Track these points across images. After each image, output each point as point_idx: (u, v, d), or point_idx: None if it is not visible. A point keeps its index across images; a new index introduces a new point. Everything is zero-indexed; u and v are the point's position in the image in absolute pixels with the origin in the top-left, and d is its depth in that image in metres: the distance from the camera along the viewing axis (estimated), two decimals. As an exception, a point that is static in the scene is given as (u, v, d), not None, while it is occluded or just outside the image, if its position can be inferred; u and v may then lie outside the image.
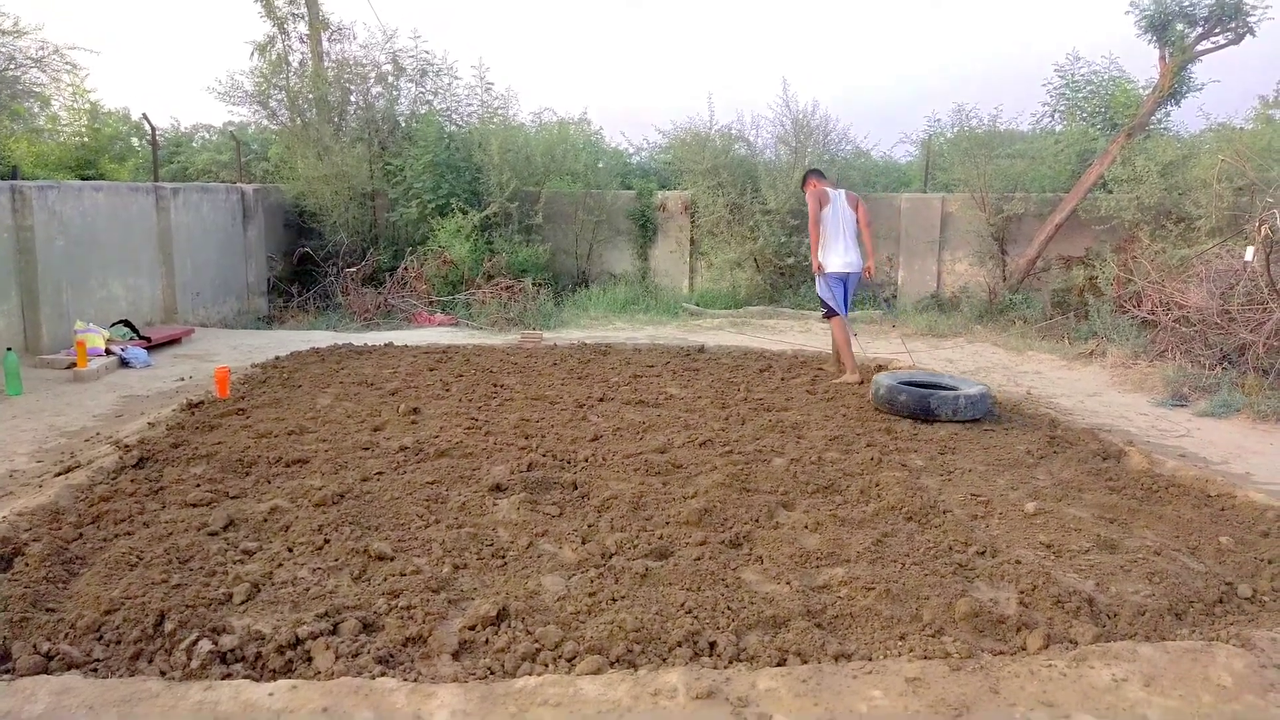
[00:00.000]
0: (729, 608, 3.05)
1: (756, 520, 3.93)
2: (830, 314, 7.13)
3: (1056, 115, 12.53)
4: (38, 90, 14.17)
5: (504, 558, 3.50)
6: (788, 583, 3.30)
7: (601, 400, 6.21)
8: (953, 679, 2.62)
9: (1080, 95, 12.21)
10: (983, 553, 3.63)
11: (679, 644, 2.80)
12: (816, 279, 7.15)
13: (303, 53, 13.24)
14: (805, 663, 2.74)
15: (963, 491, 4.42)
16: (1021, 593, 3.24)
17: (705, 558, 3.48)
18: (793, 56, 29.90)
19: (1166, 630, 3.01)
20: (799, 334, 9.89)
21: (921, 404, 5.76)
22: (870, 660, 2.77)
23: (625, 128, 29.47)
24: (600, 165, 13.46)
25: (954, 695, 2.54)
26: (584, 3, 36.07)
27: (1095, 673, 2.66)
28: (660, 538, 3.67)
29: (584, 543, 3.65)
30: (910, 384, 6.04)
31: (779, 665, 2.72)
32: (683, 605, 3.05)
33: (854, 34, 33.72)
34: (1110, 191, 10.39)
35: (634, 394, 6.40)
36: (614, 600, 3.12)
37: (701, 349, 8.47)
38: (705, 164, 11.80)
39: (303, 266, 12.22)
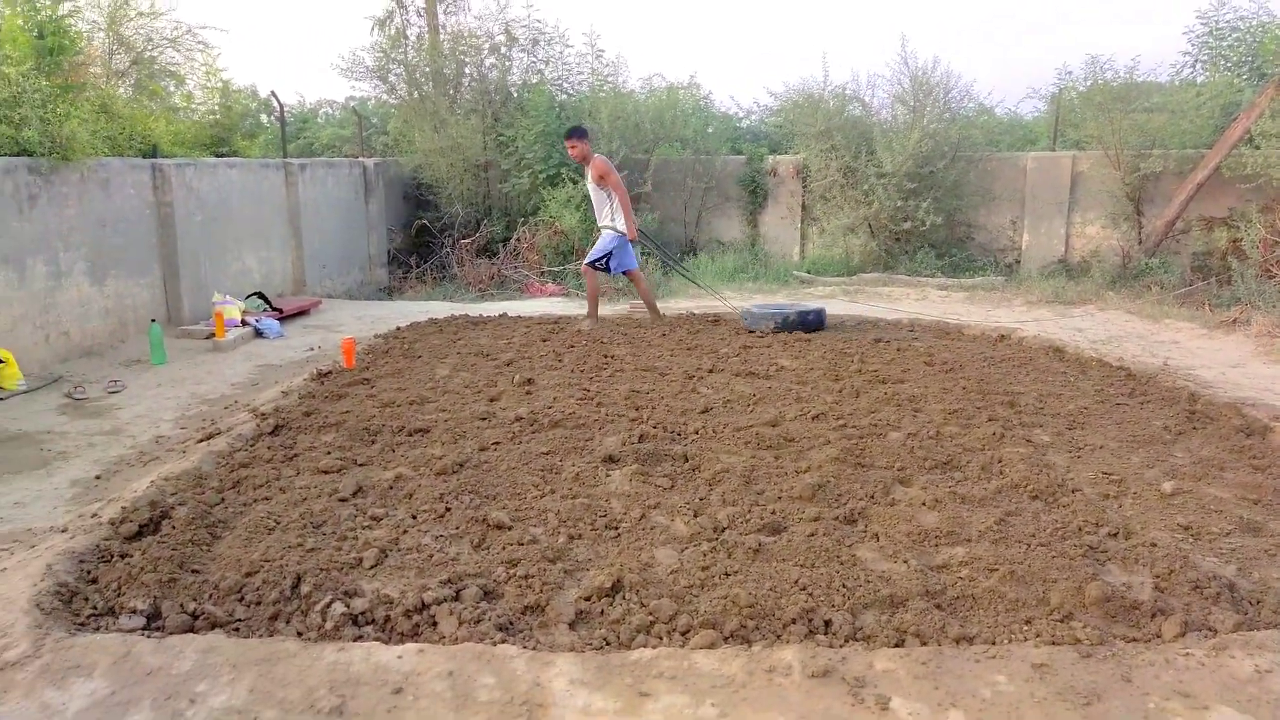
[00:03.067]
0: (844, 586, 3.01)
1: (872, 496, 3.85)
2: (596, 267, 7.98)
3: (1199, 65, 11.64)
4: (173, 70, 14.97)
5: (617, 529, 3.55)
6: (905, 561, 3.23)
7: (711, 371, 6.20)
8: (1082, 666, 2.52)
9: (1225, 44, 11.30)
10: (1115, 534, 3.47)
11: (793, 621, 2.79)
12: (616, 241, 7.83)
13: (420, 26, 13.56)
14: (924, 644, 2.68)
15: (1093, 469, 4.22)
16: (1157, 577, 3.09)
17: (819, 534, 3.44)
18: (912, 13, 28.72)
19: (1319, 622, 2.81)
20: (915, 302, 9.60)
21: (768, 320, 7.56)
22: (994, 644, 2.68)
23: (735, 90, 29.03)
24: (709, 130, 13.30)
25: (1083, 683, 2.44)
26: (693, -36, 35.48)
27: (1236, 663, 2.52)
28: (773, 512, 3.64)
29: (696, 516, 3.66)
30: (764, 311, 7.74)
31: (897, 646, 2.67)
32: (796, 582, 3.03)
33: (976, -16, 32.10)
34: (1258, 147, 9.61)
35: (744, 365, 6.36)
36: (727, 575, 3.12)
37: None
38: (818, 126, 11.51)
39: (420, 238, 12.59)
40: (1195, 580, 3.02)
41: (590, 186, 7.87)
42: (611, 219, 7.81)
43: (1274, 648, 2.57)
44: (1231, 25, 11.20)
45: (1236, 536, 3.45)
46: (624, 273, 8.26)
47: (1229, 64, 11.22)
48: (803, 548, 3.31)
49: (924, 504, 3.79)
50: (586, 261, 7.97)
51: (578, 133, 7.75)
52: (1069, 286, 9.76)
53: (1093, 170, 10.83)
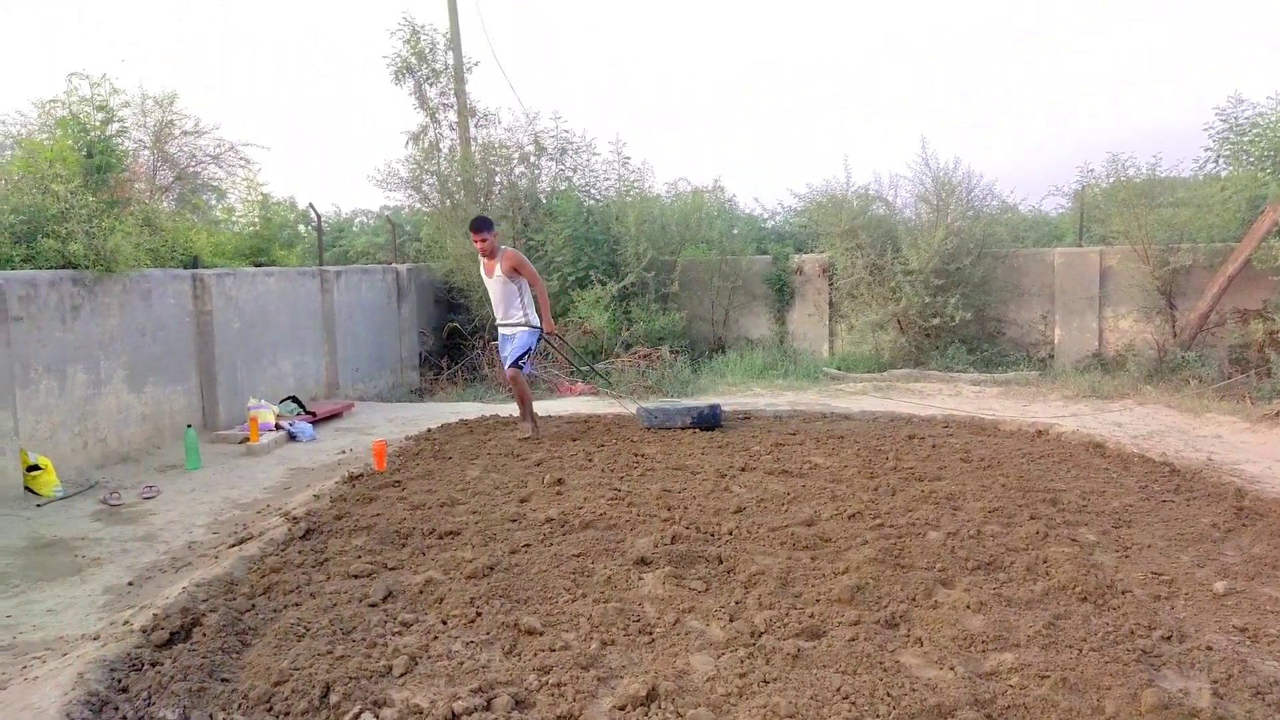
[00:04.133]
0: (888, 694, 2.90)
1: (913, 599, 3.74)
2: (520, 367, 7.53)
3: (1220, 160, 11.73)
4: (215, 184, 15.60)
5: (651, 634, 3.45)
6: (951, 668, 3.10)
7: (743, 470, 6.13)
8: (1147, 784, 2.38)
9: (1246, 139, 11.41)
10: (1169, 637, 3.33)
11: (837, 733, 2.67)
12: (534, 337, 7.51)
13: (452, 139, 14.08)
14: (977, 759, 2.55)
15: (1142, 569, 4.08)
16: (1215, 682, 2.95)
17: (860, 639, 3.32)
18: (932, 116, 29.47)
19: (1400, 734, 2.65)
20: (949, 398, 9.52)
21: (667, 419, 7.67)
22: (1050, 759, 2.55)
23: (759, 192, 29.68)
24: (735, 231, 13.54)
25: (1150, 803, 2.30)
26: (716, 73, 36.83)
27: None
28: (811, 616, 3.54)
29: (732, 620, 3.56)
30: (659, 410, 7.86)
31: (947, 760, 2.54)
32: (838, 690, 2.92)
33: (992, 91, 32.96)
34: (1288, 239, 9.59)
35: (777, 463, 6.29)
36: (765, 682, 3.01)
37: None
38: (842, 225, 11.68)
39: (451, 340, 12.77)
40: (1256, 686, 2.88)
41: (493, 281, 7.38)
42: (524, 314, 7.42)
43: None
44: (1251, 121, 11.33)
45: (1298, 639, 3.29)
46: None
47: (1251, 159, 11.30)
48: (844, 653, 3.20)
49: (968, 606, 3.66)
50: (509, 364, 7.48)
51: (486, 224, 7.25)
52: (1105, 381, 9.64)
53: (1121, 265, 10.84)
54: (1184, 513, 4.97)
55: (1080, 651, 3.22)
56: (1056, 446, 6.85)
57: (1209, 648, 3.20)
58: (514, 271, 7.25)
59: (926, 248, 11.00)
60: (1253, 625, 3.42)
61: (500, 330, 7.54)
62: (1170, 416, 8.06)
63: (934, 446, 6.79)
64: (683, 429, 7.55)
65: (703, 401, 8.25)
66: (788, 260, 12.53)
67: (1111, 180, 11.20)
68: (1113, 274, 10.97)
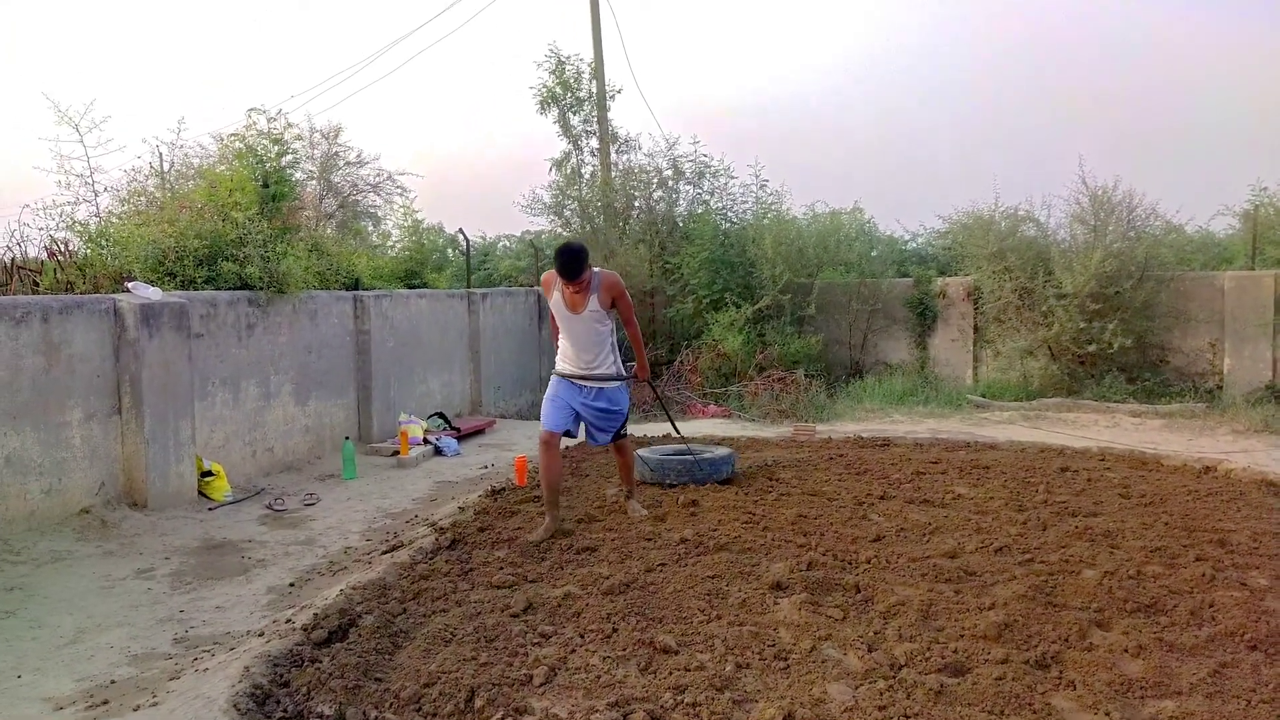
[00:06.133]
0: (1039, 737, 2.77)
1: (1066, 639, 3.55)
2: (624, 436, 5.68)
3: None
4: (373, 211, 16.56)
5: (786, 660, 3.42)
6: (1107, 714, 2.94)
7: (882, 498, 5.99)
8: None
9: None
10: (1354, 695, 3.03)
11: (982, 773, 2.57)
12: (625, 396, 5.62)
13: (593, 165, 14.44)
14: (1136, 812, 2.41)
15: (1324, 619, 3.74)
16: None
17: (1008, 678, 3.19)
18: (1090, 135, 28.07)
19: None
20: (1105, 429, 9.00)
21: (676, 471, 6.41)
22: (1219, 818, 2.38)
23: (900, 214, 28.99)
24: (874, 253, 13.29)
25: None
26: (852, 97, 36.35)
27: None
28: (954, 651, 3.42)
29: (870, 650, 3.48)
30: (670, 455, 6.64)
31: (1103, 811, 2.41)
32: (984, 730, 2.81)
33: (1150, 108, 31.13)
34: None
35: (917, 492, 6.11)
36: (906, 717, 2.93)
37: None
38: (990, 247, 11.26)
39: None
40: None
41: (581, 319, 5.30)
42: (616, 361, 5.51)
43: None
44: None
45: None
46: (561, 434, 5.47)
47: None
48: (990, 692, 3.08)
49: (1126, 650, 3.45)
50: (610, 440, 5.62)
51: (582, 257, 5.16)
52: (1279, 415, 8.89)
53: (1300, 289, 9.99)
54: (1378, 561, 4.53)
55: (1249, 703, 2.98)
56: (1225, 484, 6.37)
57: (1404, 709, 2.91)
58: (611, 304, 5.37)
59: (1082, 270, 10.46)
60: None
61: (578, 383, 5.41)
62: (1361, 455, 7.35)
63: (1089, 480, 6.43)
64: (674, 485, 6.31)
65: (715, 449, 6.81)
66: (930, 283, 12.18)
67: (1290, 198, 10.37)
68: (1291, 299, 10.12)
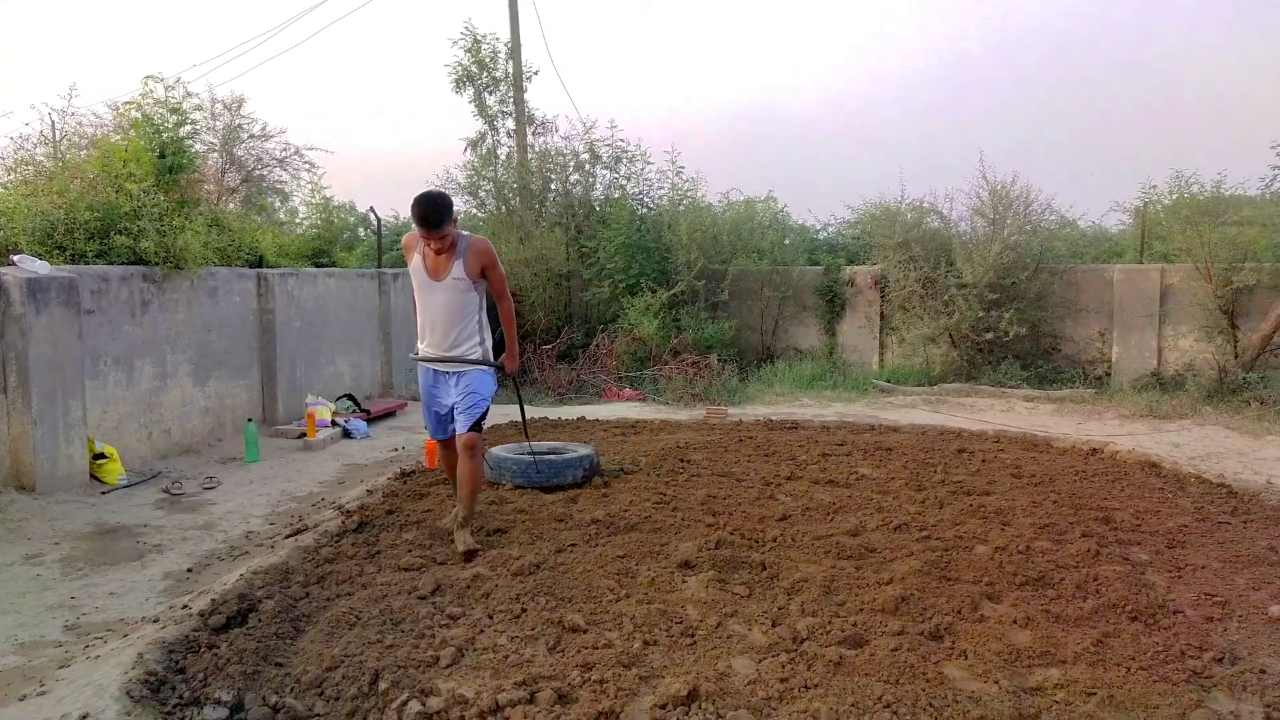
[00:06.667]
0: (931, 704, 2.89)
1: (959, 612, 3.71)
2: (480, 430, 4.72)
3: (1290, 178, 11.38)
4: (280, 187, 16.03)
5: (693, 636, 3.48)
6: (996, 682, 3.08)
7: (789, 479, 6.13)
8: (1193, 804, 2.35)
9: (1317, 156, 11.05)
10: (1221, 659, 3.26)
11: (877, 740, 2.67)
12: (490, 383, 4.80)
13: (509, 146, 14.27)
14: (1018, 771, 2.54)
15: (1195, 590, 4.00)
16: (1268, 706, 2.89)
17: (903, 649, 3.31)
18: (989, 132, 29.04)
19: None
20: (1000, 413, 9.38)
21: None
22: (1093, 775, 2.53)
23: (812, 204, 29.53)
24: (786, 242, 13.52)
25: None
26: (767, 90, 36.81)
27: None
28: (854, 625, 3.54)
29: (774, 625, 3.57)
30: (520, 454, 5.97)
31: (988, 772, 2.53)
32: (880, 699, 2.92)
33: (1048, 105, 32.42)
34: (1361, 258, 9.29)
35: (823, 473, 6.27)
36: (807, 688, 3.02)
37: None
38: (896, 238, 11.59)
39: (501, 344, 12.94)
40: (1314, 712, 2.80)
41: (442, 286, 4.57)
42: (482, 343, 4.74)
43: None
44: (1322, 138, 10.98)
45: (1359, 666, 3.20)
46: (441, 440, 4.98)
47: (1321, 176, 10.95)
48: (886, 662, 3.19)
49: (1015, 621, 3.63)
50: (466, 429, 4.61)
51: (446, 207, 4.43)
52: (1163, 400, 9.42)
53: (1183, 283, 10.58)
54: (1240, 535, 4.85)
55: (1129, 670, 3.17)
56: (1111, 465, 6.73)
57: (1262, 671, 3.13)
58: (480, 273, 4.65)
59: (981, 261, 10.86)
60: (1310, 651, 3.34)
61: (434, 368, 4.72)
62: (1229, 438, 7.85)
63: (984, 461, 6.71)
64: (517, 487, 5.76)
65: (575, 449, 6.17)
66: (839, 271, 12.47)
67: (1175, 197, 10.96)
68: (1174, 292, 10.72)
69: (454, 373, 4.70)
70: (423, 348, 4.74)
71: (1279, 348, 9.97)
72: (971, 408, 9.74)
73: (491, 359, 4.78)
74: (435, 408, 4.81)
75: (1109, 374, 10.99)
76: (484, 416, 4.71)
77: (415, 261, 4.60)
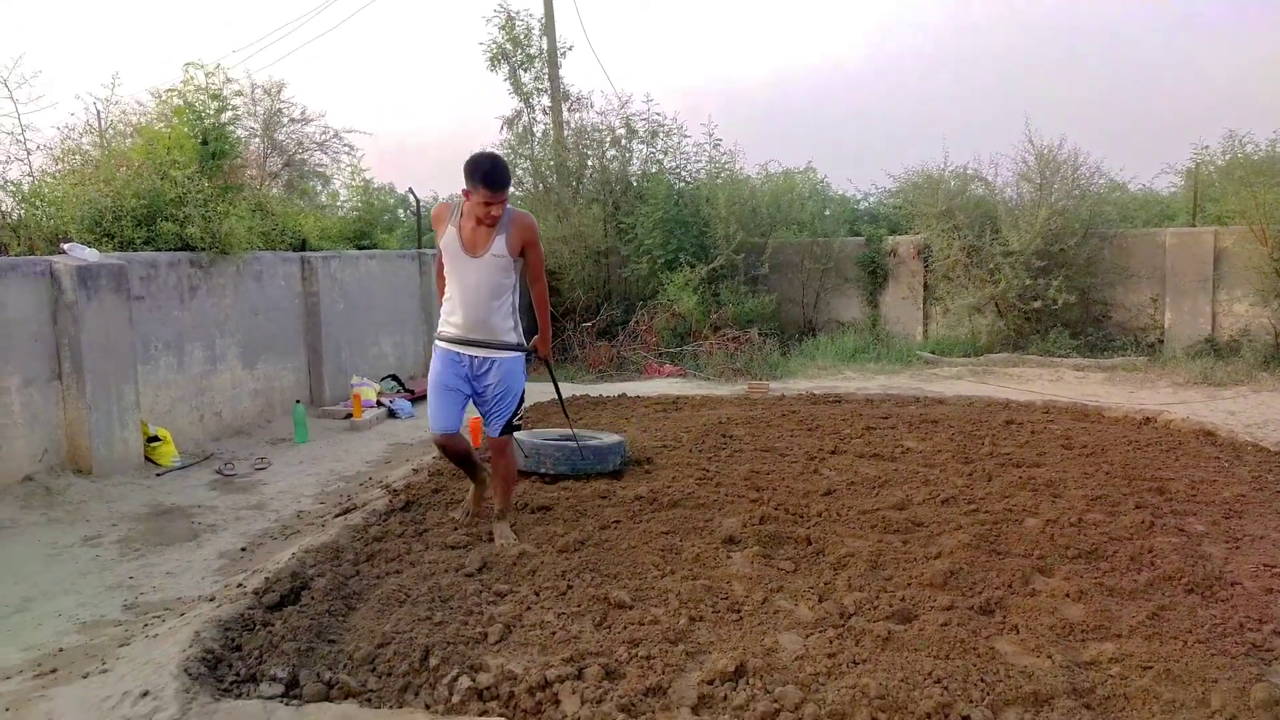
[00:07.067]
0: (982, 680, 2.85)
1: (1010, 586, 3.66)
2: (518, 428, 4.51)
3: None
4: (320, 170, 16.17)
5: (739, 612, 3.48)
6: (1049, 656, 3.04)
7: (833, 453, 6.08)
8: (1255, 780, 2.29)
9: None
10: (1281, 632, 3.18)
11: (928, 715, 2.65)
12: (522, 373, 4.48)
13: (545, 123, 14.23)
14: (1073, 747, 2.50)
15: (1254, 561, 3.90)
16: (1333, 681, 2.80)
17: (953, 624, 3.28)
18: (1035, 99, 28.34)
19: None
20: (1049, 383, 9.21)
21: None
22: (1151, 751, 2.48)
23: (853, 174, 29.11)
24: (827, 213, 13.34)
25: (1258, 800, 2.22)
26: (808, 59, 36.23)
27: None
28: (902, 599, 3.50)
29: (820, 601, 3.56)
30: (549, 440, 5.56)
31: (1042, 747, 2.50)
32: (930, 674, 2.89)
33: (1098, 62, 31.50)
34: None
35: (867, 446, 6.21)
36: (855, 663, 3.01)
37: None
38: (939, 206, 11.38)
39: (534, 329, 12.98)
40: (1380, 686, 2.72)
41: (481, 263, 4.18)
42: (516, 327, 4.39)
43: None
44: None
45: None
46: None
47: (1381, 132, 10.52)
48: (936, 638, 3.16)
49: (1068, 595, 3.57)
50: (499, 431, 4.39)
51: (506, 176, 4.13)
52: (1218, 367, 9.18)
53: (1237, 246, 10.26)
54: (1304, 505, 4.72)
55: (1186, 644, 3.10)
56: (1165, 434, 6.57)
57: (1326, 645, 3.05)
58: (521, 251, 4.29)
59: (1028, 228, 10.62)
60: (1376, 623, 3.24)
61: (461, 351, 4.30)
62: (1291, 405, 7.62)
63: (1033, 433, 6.59)
64: (550, 476, 5.43)
65: (605, 437, 5.83)
66: (881, 242, 12.29)
67: (1228, 157, 10.62)
68: (1228, 255, 10.40)
69: (485, 358, 4.28)
70: (449, 329, 4.30)
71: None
72: (1019, 378, 9.57)
73: (524, 343, 4.44)
74: (452, 390, 4.30)
75: (1161, 341, 10.73)
76: (518, 412, 4.41)
77: (449, 235, 4.19)
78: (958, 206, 11.34)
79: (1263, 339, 9.73)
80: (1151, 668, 2.90)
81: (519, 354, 4.39)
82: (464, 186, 4.08)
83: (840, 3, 38.19)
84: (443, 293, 4.39)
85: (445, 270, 4.30)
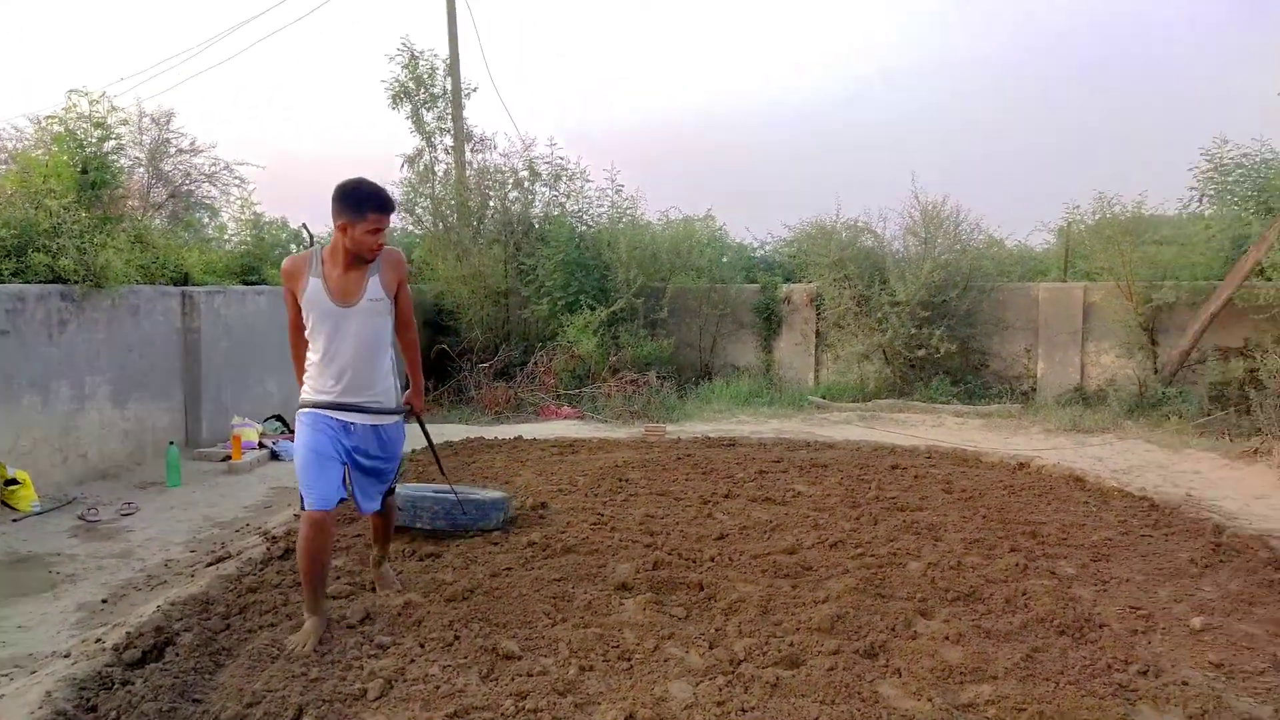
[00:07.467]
0: (865, 725, 2.89)
1: (893, 629, 3.74)
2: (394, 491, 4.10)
3: (1205, 199, 11.91)
4: (208, 203, 15.63)
5: (630, 660, 3.44)
6: (929, 699, 3.10)
7: (727, 497, 6.13)
8: (1120, 818, 2.38)
9: (1230, 179, 11.59)
10: (1145, 672, 3.34)
11: (812, 763, 2.66)
12: (402, 433, 4.01)
13: (447, 163, 14.14)
14: (951, 791, 2.55)
15: (1120, 603, 4.10)
16: (1190, 718, 2.95)
17: (839, 668, 3.32)
18: (922, 153, 29.79)
19: (1372, 772, 2.66)
20: (931, 428, 9.56)
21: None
22: (1024, 792, 2.55)
23: (750, 223, 29.85)
24: (724, 260, 13.61)
25: (1122, 837, 2.30)
26: (707, 112, 37.21)
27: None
28: (791, 645, 3.53)
29: (711, 647, 3.55)
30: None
31: (922, 792, 2.54)
32: (816, 719, 2.91)
33: (982, 128, 33.41)
34: (1269, 279, 9.70)
35: (760, 490, 6.30)
36: (744, 711, 3.01)
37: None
38: (831, 256, 11.77)
39: (439, 362, 12.76)
40: (1232, 722, 2.88)
41: (357, 311, 3.66)
42: (396, 385, 3.92)
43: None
44: (1236, 162, 11.51)
45: (1271, 675, 3.31)
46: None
47: (1235, 198, 11.46)
48: (822, 683, 3.20)
49: (947, 638, 3.67)
50: (380, 505, 3.95)
51: (390, 200, 3.72)
52: (1086, 415, 9.71)
53: (1105, 300, 10.94)
54: (1162, 548, 5.00)
55: (1057, 684, 3.22)
56: (1037, 479, 6.89)
57: (1185, 683, 3.21)
58: (400, 285, 3.86)
59: (914, 280, 11.08)
60: (1228, 661, 3.44)
61: (345, 419, 3.72)
62: (1150, 452, 8.11)
63: (916, 477, 6.81)
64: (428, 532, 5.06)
65: (487, 492, 5.53)
66: (776, 289, 12.61)
67: (1097, 217, 11.34)
68: (1096, 309, 11.08)
69: (370, 426, 3.74)
70: (325, 394, 3.69)
71: (1197, 364, 10.37)
72: (904, 423, 9.90)
73: (402, 404, 3.96)
74: (327, 459, 3.60)
75: (1035, 389, 11.29)
76: (396, 478, 4.06)
77: (312, 289, 3.63)
78: (849, 257, 11.75)
79: (1128, 389, 10.35)
80: (1025, 709, 3.00)
81: (400, 418, 3.91)
82: (340, 220, 3.58)
83: (742, 54, 39.43)
84: (301, 359, 3.84)
85: (311, 330, 3.69)
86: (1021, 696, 3.10)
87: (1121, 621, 3.87)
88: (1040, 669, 3.36)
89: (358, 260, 3.66)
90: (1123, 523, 5.55)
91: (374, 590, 4.16)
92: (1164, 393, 10.02)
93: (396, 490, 4.41)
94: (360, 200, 3.58)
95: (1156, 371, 10.44)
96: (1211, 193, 11.80)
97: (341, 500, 3.60)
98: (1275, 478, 6.91)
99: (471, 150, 14.27)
